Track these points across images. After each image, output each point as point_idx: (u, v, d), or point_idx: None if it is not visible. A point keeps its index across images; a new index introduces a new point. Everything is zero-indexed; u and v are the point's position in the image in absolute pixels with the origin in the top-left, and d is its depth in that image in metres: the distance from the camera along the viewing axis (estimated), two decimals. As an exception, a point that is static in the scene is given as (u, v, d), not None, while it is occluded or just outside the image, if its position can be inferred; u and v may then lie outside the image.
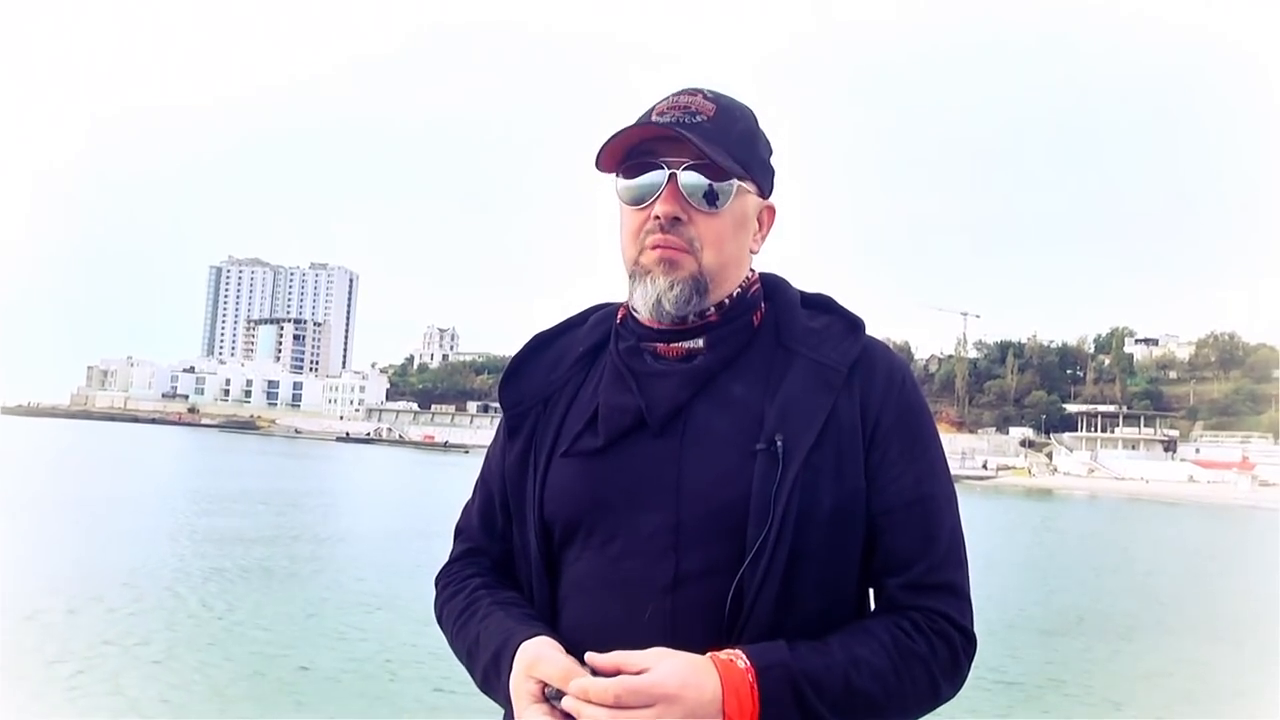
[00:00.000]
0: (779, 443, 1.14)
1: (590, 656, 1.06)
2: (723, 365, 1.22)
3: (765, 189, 1.28)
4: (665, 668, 1.02)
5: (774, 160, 1.31)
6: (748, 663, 1.05)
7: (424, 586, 1.33)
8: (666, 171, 1.18)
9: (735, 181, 1.20)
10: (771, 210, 1.31)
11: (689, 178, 1.18)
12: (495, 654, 1.15)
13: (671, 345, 1.23)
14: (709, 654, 1.06)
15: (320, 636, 10.75)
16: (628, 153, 1.21)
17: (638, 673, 1.02)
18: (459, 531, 1.40)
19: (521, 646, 1.11)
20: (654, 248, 1.20)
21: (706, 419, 1.19)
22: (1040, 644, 12.22)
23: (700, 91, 1.22)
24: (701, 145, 1.16)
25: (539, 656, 1.09)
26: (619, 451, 1.20)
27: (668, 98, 1.22)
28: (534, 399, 1.31)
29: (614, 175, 1.23)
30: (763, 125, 1.28)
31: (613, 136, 1.20)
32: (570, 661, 1.07)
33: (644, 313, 1.23)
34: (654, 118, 1.20)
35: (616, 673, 1.03)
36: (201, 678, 8.70)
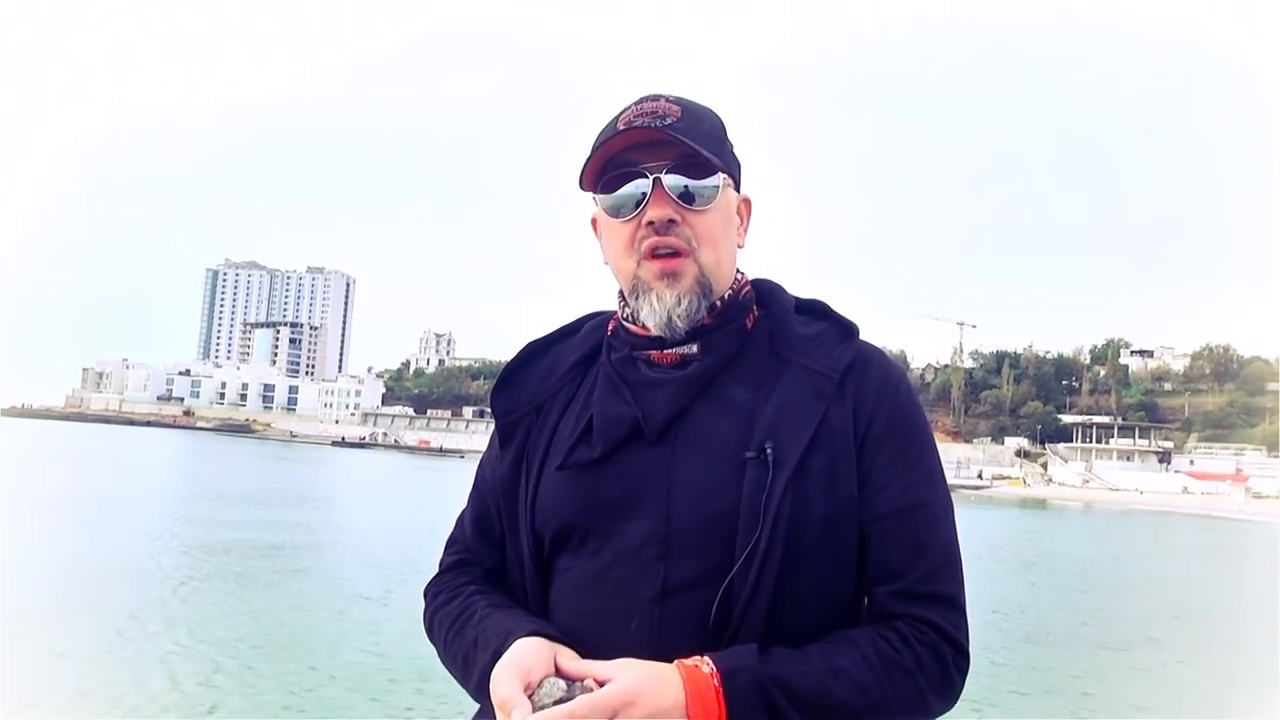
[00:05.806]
0: (769, 450, 1.12)
1: (561, 661, 1.06)
2: (716, 371, 1.21)
3: (739, 182, 1.29)
4: (623, 678, 1.00)
5: (740, 154, 1.31)
6: (713, 667, 1.03)
7: (417, 589, 1.33)
8: (650, 177, 1.17)
9: (720, 175, 1.20)
10: (748, 202, 1.31)
11: (673, 180, 1.17)
12: (494, 654, 1.11)
13: (666, 352, 1.22)
14: (675, 661, 1.04)
15: (314, 638, 10.73)
16: (603, 168, 1.20)
17: (601, 683, 1.01)
18: (451, 542, 1.38)
19: (512, 645, 1.09)
20: (652, 257, 1.19)
21: (699, 427, 1.18)
22: (1027, 653, 12.24)
23: (662, 96, 1.21)
24: (685, 139, 1.15)
25: (507, 662, 1.07)
26: (614, 461, 1.19)
27: (630, 107, 1.21)
28: (526, 407, 1.30)
29: (593, 195, 1.24)
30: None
31: (593, 151, 1.19)
32: (533, 666, 1.05)
33: (655, 330, 1.21)
34: (619, 127, 1.19)
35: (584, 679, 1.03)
36: (195, 680, 8.69)
